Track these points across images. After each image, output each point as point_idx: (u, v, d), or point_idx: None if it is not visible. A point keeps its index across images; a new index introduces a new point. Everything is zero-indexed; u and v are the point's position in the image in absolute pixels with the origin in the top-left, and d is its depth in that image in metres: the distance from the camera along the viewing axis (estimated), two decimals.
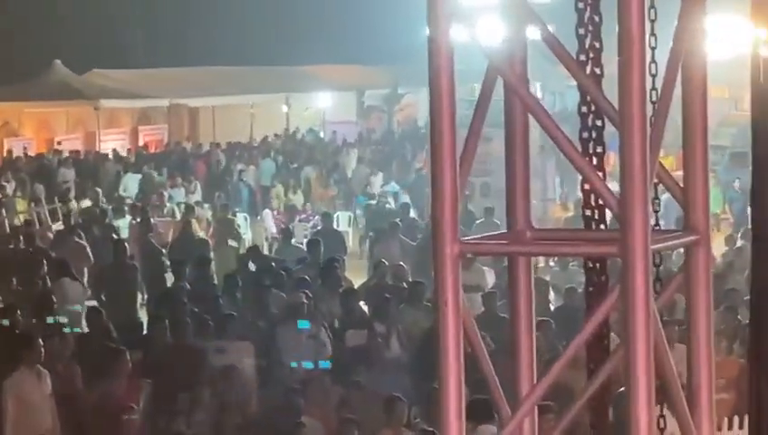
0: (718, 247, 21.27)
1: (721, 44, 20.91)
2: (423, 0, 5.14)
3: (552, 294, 20.15)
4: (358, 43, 49.85)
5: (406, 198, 31.98)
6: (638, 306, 4.86)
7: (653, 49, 5.47)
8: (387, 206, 31.25)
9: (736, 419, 14.34)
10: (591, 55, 5.61)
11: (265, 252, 26.37)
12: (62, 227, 28.00)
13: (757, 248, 5.70)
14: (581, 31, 5.67)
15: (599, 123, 5.58)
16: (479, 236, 5.67)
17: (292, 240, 25.43)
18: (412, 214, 28.77)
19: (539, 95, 29.08)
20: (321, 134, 48.08)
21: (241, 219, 30.97)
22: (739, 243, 23.58)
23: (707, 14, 5.67)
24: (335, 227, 28.57)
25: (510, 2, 5.51)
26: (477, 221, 26.23)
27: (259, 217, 32.59)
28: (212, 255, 23.68)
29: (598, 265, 5.56)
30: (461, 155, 5.23)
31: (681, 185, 5.49)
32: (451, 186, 5.09)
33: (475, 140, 5.30)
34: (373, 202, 31.87)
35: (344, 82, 48.97)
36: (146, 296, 22.55)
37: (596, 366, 5.34)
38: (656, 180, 5.42)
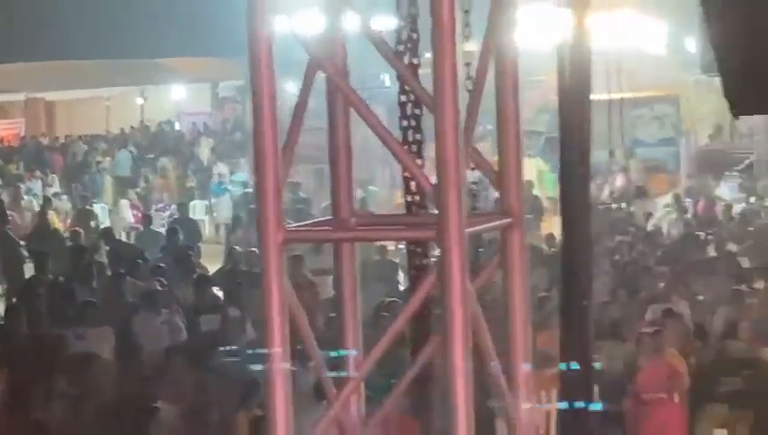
0: (557, 228, 21.61)
1: (544, 34, 21.23)
2: None
3: (400, 276, 20.36)
4: (212, 36, 49.49)
5: None
6: (454, 285, 4.91)
7: (467, 38, 5.54)
8: (239, 194, 31.33)
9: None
10: (409, 46, 5.65)
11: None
12: None
13: (565, 225, 5.77)
14: (400, 23, 5.71)
15: (417, 112, 5.62)
16: (303, 223, 5.70)
17: (151, 227, 25.48)
18: None
19: (388, 84, 29.13)
20: (177, 125, 47.82)
21: (98, 209, 30.71)
22: None
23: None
24: (191, 215, 28.64)
25: None
26: (324, 205, 26.55)
27: (116, 207, 32.36)
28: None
29: (420, 248, 5.61)
30: (283, 146, 5.23)
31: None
32: (273, 176, 5.10)
33: (297, 130, 5.30)
34: (228, 191, 31.95)
35: (199, 74, 48.79)
36: (5, 287, 22.30)
37: (419, 342, 5.38)
38: (472, 166, 5.48)
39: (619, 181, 31.41)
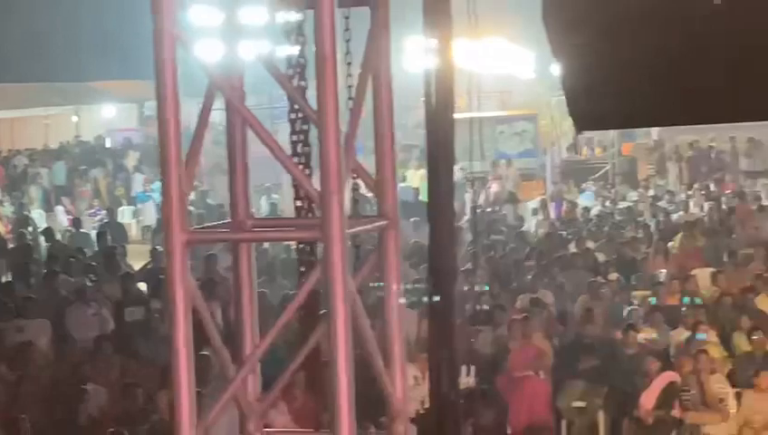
0: None
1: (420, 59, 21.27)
2: None
3: None
4: (138, 61, 49.09)
5: None
6: (336, 279, 4.90)
7: (349, 64, 5.55)
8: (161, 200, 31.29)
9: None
10: (298, 70, 5.64)
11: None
12: None
13: (432, 227, 5.78)
14: (290, 50, 5.70)
15: (305, 127, 5.61)
16: (204, 225, 5.66)
17: (81, 230, 25.43)
18: None
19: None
20: (108, 140, 47.43)
21: (36, 215, 30.38)
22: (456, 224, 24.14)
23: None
24: (119, 219, 28.62)
25: (227, 24, 5.47)
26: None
27: (52, 213, 32.06)
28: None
29: (308, 247, 5.59)
30: (187, 157, 5.19)
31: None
32: (177, 184, 5.05)
33: (199, 143, 5.26)
34: (151, 197, 31.81)
35: (126, 94, 48.41)
36: None
37: (307, 331, 5.36)
38: (354, 175, 5.48)
39: (495, 188, 31.62)
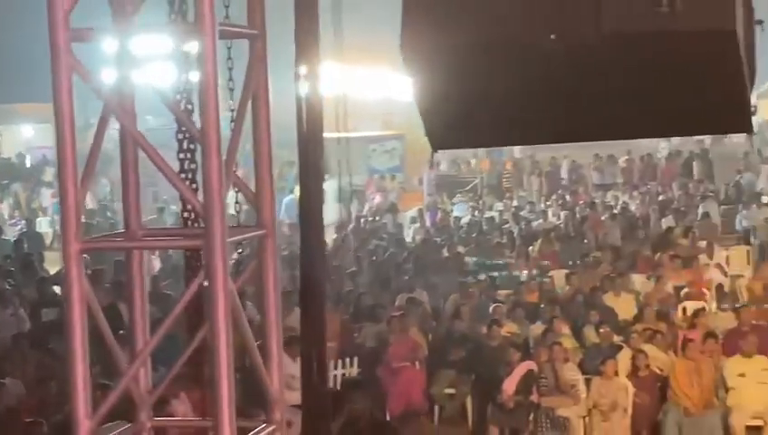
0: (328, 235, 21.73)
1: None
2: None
3: None
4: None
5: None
6: (218, 283, 4.85)
7: (231, 90, 5.51)
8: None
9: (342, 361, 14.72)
10: (184, 94, 5.60)
11: None
12: None
13: (303, 235, 5.76)
14: (180, 76, 5.65)
15: (191, 147, 5.56)
16: (99, 235, 5.57)
17: (2, 237, 25.00)
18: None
19: None
20: (28, 157, 46.66)
21: None
22: (343, 232, 24.14)
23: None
24: (38, 229, 28.21)
25: (119, 53, 5.39)
26: (150, 217, 26.40)
27: None
28: None
29: (194, 254, 5.53)
30: (83, 172, 5.11)
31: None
32: (74, 197, 4.97)
33: (94, 163, 5.17)
34: None
35: (43, 116, 47.71)
36: None
37: (193, 330, 5.30)
38: (236, 189, 5.44)
39: (378, 199, 31.69)
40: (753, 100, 6.18)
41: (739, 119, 6.13)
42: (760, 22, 6.12)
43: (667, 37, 5.44)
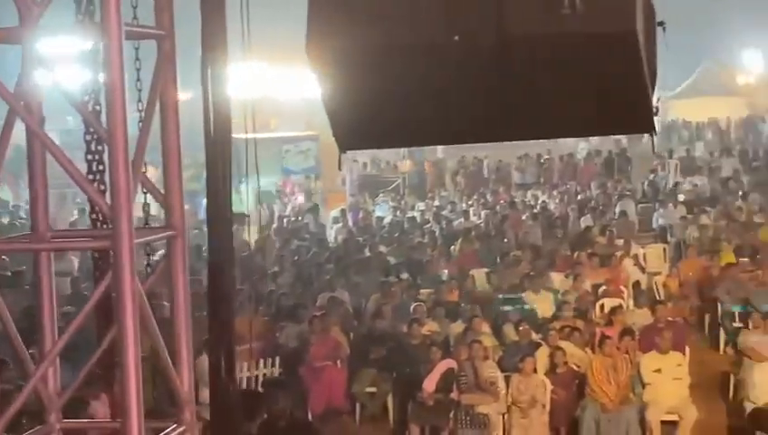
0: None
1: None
2: None
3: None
4: None
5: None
6: (125, 284, 4.82)
7: (140, 91, 5.49)
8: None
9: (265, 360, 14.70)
10: (93, 95, 5.56)
11: None
12: None
13: (211, 235, 5.76)
14: (87, 75, 5.62)
15: (99, 148, 5.53)
16: (7, 236, 5.53)
17: None
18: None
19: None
20: None
21: None
22: (265, 233, 24.06)
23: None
24: None
25: (25, 54, 5.34)
26: (71, 219, 26.19)
27: None
28: None
29: (102, 255, 5.51)
30: None
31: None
32: None
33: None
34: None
35: None
36: None
37: (103, 331, 5.28)
38: (144, 190, 5.42)
39: (300, 199, 31.65)
40: (655, 100, 6.30)
41: (641, 119, 6.24)
42: (661, 23, 6.25)
43: (569, 39, 5.53)
